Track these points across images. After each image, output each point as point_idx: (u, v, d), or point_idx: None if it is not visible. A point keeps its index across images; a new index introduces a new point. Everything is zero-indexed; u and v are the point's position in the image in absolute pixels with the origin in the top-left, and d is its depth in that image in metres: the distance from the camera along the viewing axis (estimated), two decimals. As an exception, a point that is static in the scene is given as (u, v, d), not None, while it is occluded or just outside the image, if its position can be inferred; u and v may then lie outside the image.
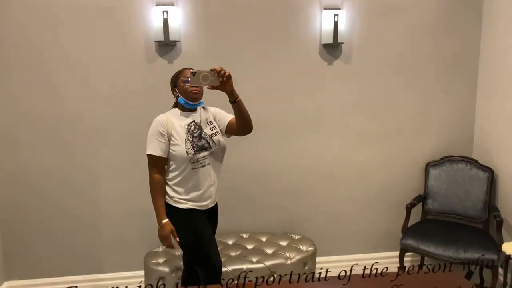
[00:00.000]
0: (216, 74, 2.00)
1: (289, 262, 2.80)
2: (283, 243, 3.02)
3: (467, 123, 3.31)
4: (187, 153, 2.16)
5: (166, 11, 2.82)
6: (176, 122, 2.20)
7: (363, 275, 1.52)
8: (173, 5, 2.89)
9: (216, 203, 2.40)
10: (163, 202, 2.20)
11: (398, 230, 3.18)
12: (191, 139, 2.19)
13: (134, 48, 2.91)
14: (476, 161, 3.15)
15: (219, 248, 2.89)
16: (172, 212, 2.23)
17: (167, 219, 2.18)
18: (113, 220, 3.05)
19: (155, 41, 2.91)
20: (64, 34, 2.83)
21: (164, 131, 2.15)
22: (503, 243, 2.71)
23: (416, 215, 3.22)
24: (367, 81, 3.16)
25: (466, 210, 3.11)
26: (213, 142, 2.25)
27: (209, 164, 2.24)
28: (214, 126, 2.31)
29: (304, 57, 3.07)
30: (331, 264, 3.26)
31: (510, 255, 2.40)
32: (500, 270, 3.00)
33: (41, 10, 2.78)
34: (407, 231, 3.03)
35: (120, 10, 2.86)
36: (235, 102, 2.13)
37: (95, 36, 2.85)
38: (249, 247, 2.98)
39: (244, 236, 3.13)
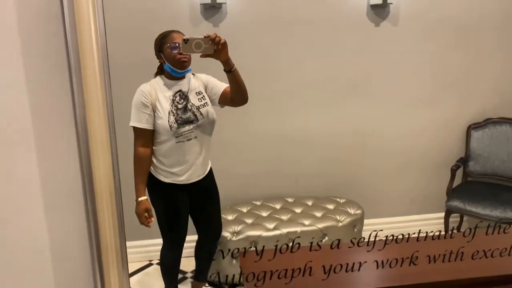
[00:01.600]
0: (210, 41, 1.84)
1: (340, 224, 2.85)
2: (330, 207, 3.05)
3: (509, 85, 3.30)
4: (170, 126, 2.05)
5: (214, -29, 2.71)
6: (160, 91, 2.09)
7: (417, 238, 1.48)
8: (220, -35, 2.77)
9: (208, 175, 2.33)
10: (144, 179, 2.15)
11: (441, 192, 3.22)
12: (175, 112, 2.07)
13: (178, 11, 2.81)
14: (519, 122, 3.17)
15: (268, 213, 2.95)
16: (152, 181, 2.21)
17: (144, 197, 2.15)
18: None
19: (200, 3, 2.81)
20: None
21: (147, 102, 2.05)
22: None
23: (457, 178, 3.26)
24: (412, 44, 3.11)
25: (508, 171, 3.16)
26: (201, 114, 2.13)
27: (196, 137, 2.14)
28: (203, 96, 2.17)
29: (350, 18, 2.99)
30: (377, 226, 3.32)
31: None
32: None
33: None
34: (452, 192, 3.08)
35: (166, -30, 2.74)
36: (231, 72, 1.99)
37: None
38: (297, 211, 3.01)
39: (289, 200, 3.16)
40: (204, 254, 2.53)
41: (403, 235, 1.51)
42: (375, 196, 3.35)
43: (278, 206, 3.09)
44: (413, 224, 3.39)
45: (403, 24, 3.06)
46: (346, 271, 1.25)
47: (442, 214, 3.12)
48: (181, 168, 2.17)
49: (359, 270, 1.25)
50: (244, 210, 3.03)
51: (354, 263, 1.26)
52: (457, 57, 3.19)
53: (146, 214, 2.16)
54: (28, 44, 0.92)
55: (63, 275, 1.07)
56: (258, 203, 3.12)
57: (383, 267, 1.26)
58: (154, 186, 2.23)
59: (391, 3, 2.99)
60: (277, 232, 2.74)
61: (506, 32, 3.19)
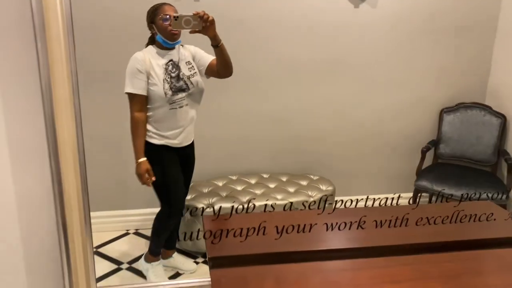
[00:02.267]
0: (199, 18, 2.00)
1: (311, 199, 2.95)
2: (303, 183, 3.15)
3: (482, 71, 3.40)
4: (165, 93, 2.18)
5: None
6: (153, 60, 2.19)
7: (365, 204, 1.59)
8: None
9: (193, 143, 2.45)
10: (142, 142, 2.24)
11: (412, 173, 3.34)
12: (169, 80, 2.20)
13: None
14: (489, 107, 3.28)
15: (243, 187, 3.04)
16: (146, 146, 2.29)
17: (144, 158, 2.24)
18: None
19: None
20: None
21: (142, 69, 2.15)
22: (513, 184, 2.91)
23: (428, 160, 3.37)
24: (388, 28, 3.18)
25: (476, 154, 3.28)
26: (191, 83, 2.26)
27: (187, 105, 2.27)
28: (193, 66, 2.31)
29: (330, -1, 3.05)
30: (348, 204, 3.43)
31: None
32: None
33: None
34: (421, 173, 3.19)
35: None
36: (218, 47, 2.14)
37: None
38: (271, 186, 3.11)
39: (265, 176, 3.26)
40: None
41: (351, 200, 1.60)
42: (348, 174, 3.45)
43: (253, 181, 3.17)
44: (383, 203, 3.52)
45: (381, 6, 3.12)
46: (298, 232, 1.34)
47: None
48: (173, 132, 2.29)
49: (310, 231, 1.34)
50: (220, 184, 3.11)
51: (305, 225, 1.35)
52: (432, 41, 3.26)
53: (147, 175, 2.24)
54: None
55: (28, 227, 1.14)
56: (234, 177, 3.21)
57: (332, 229, 1.35)
58: (147, 150, 2.30)
59: (370, -15, 3.04)
60: (257, 204, 2.83)
61: (478, 21, 3.27)
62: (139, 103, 2.20)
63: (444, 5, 3.20)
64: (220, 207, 2.60)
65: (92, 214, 2.91)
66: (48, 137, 1.14)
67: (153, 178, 2.27)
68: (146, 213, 3.20)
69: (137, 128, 2.21)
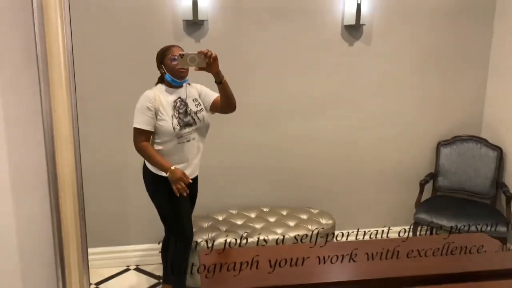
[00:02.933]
0: (203, 56, 2.14)
1: (311, 234, 2.96)
2: (303, 217, 3.17)
3: (477, 104, 3.47)
4: (174, 128, 2.28)
5: (196, -10, 2.88)
6: (163, 98, 2.31)
7: (356, 237, 1.62)
8: (201, -16, 2.95)
9: (197, 177, 2.53)
10: (160, 157, 2.29)
11: (411, 205, 3.35)
12: (177, 115, 2.31)
13: (162, 27, 2.97)
14: (485, 140, 3.32)
15: (243, 221, 3.07)
16: (153, 178, 2.37)
17: (173, 166, 2.27)
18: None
19: (183, 20, 2.97)
20: (101, 9, 2.87)
21: (151, 106, 2.25)
22: (512, 216, 2.91)
23: (427, 192, 3.39)
24: (384, 63, 3.28)
25: (474, 187, 3.30)
26: (198, 118, 2.37)
27: (194, 139, 2.37)
28: (199, 103, 2.43)
29: (326, 38, 3.17)
30: (349, 237, 3.42)
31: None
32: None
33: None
34: (420, 206, 3.21)
35: (150, -12, 2.91)
36: (221, 83, 2.27)
37: (126, 14, 2.90)
38: (272, 220, 3.12)
39: (265, 210, 3.28)
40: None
41: (342, 233, 1.62)
42: (348, 207, 3.47)
43: (253, 215, 3.19)
44: (379, 235, 3.51)
45: (375, 44, 3.24)
46: (290, 266, 1.36)
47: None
48: (181, 166, 2.36)
49: (302, 264, 1.37)
50: (220, 218, 3.14)
51: (298, 258, 1.37)
52: (428, 76, 3.36)
53: (183, 176, 2.27)
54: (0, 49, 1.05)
55: (25, 259, 1.18)
56: (234, 212, 3.23)
57: (324, 262, 1.38)
58: (157, 183, 2.37)
59: (364, 24, 3.16)
60: (249, 239, 2.85)
61: (471, 55, 3.38)
62: (145, 136, 2.31)
63: (436, 41, 3.31)
64: (214, 240, 2.61)
65: (92, 250, 2.96)
66: (48, 169, 1.20)
67: (190, 180, 2.30)
68: (147, 248, 3.22)
69: (148, 149, 2.29)
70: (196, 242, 2.74)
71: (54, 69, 1.17)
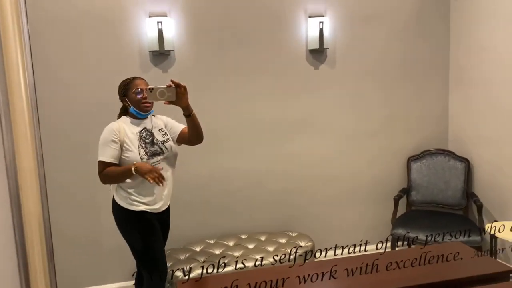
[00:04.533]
0: (173, 89, 2.10)
1: (291, 257, 2.92)
2: (282, 241, 3.14)
3: (441, 118, 3.59)
4: (141, 158, 2.22)
5: (161, 22, 2.91)
6: (128, 129, 2.26)
7: (334, 253, 1.61)
8: (166, 16, 2.98)
9: (169, 207, 2.46)
10: (119, 168, 2.19)
11: (388, 221, 3.38)
12: (143, 145, 2.26)
13: (129, 59, 2.97)
14: (453, 152, 3.42)
15: (221, 250, 3.01)
16: (124, 214, 2.29)
17: (135, 163, 2.18)
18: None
19: (149, 51, 2.99)
20: (66, 41, 2.85)
21: (116, 138, 2.20)
22: (484, 224, 2.97)
23: (401, 207, 3.44)
24: (350, 84, 3.38)
25: (446, 199, 3.37)
26: (165, 147, 2.33)
27: (162, 168, 2.30)
28: (166, 133, 2.39)
29: (292, 63, 3.25)
30: (329, 258, 3.40)
31: (494, 234, 2.64)
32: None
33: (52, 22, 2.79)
34: (396, 221, 3.24)
35: (115, 22, 2.92)
36: (190, 116, 2.25)
37: (91, 46, 2.89)
38: (250, 246, 3.08)
39: (243, 237, 3.23)
40: None
41: (321, 250, 1.61)
42: (326, 227, 3.46)
43: (231, 243, 3.14)
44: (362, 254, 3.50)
45: (339, 66, 3.34)
46: (271, 287, 1.33)
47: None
48: (151, 199, 2.30)
49: (283, 285, 1.34)
50: (197, 249, 3.06)
51: (278, 279, 1.35)
52: (393, 94, 3.47)
53: (151, 167, 2.15)
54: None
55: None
56: (211, 241, 3.17)
57: (305, 282, 1.36)
58: (128, 219, 2.29)
59: (327, 48, 3.26)
60: (228, 268, 2.78)
61: (432, 71, 3.52)
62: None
63: (397, 61, 3.44)
64: (190, 268, 2.53)
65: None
66: (12, 208, 1.14)
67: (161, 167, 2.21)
68: (122, 286, 3.10)
69: (109, 171, 2.18)
70: (172, 271, 2.67)
71: (16, 103, 1.14)
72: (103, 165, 2.21)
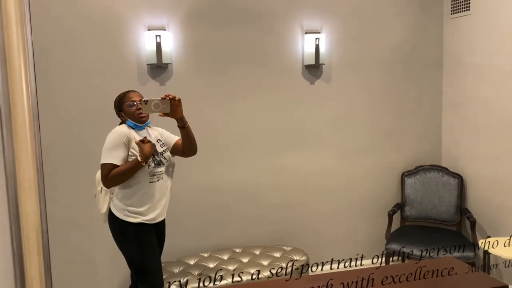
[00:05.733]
0: (167, 101, 2.13)
1: (288, 270, 2.91)
2: (277, 255, 3.13)
3: (435, 135, 3.64)
4: (148, 165, 2.22)
5: (159, 35, 2.94)
6: (134, 135, 2.26)
7: (330, 267, 1.62)
8: (164, 29, 3.02)
9: (164, 219, 2.45)
10: (127, 164, 2.17)
11: (382, 236, 3.39)
12: None
13: (127, 71, 3.00)
14: (446, 168, 3.46)
15: (215, 264, 3.00)
16: (121, 227, 2.28)
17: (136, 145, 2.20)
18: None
19: (147, 64, 3.01)
20: (66, 54, 2.86)
21: (126, 142, 2.20)
22: (477, 240, 2.99)
23: (396, 222, 3.46)
24: (345, 99, 3.42)
25: (440, 214, 3.39)
26: (165, 158, 2.35)
27: (162, 178, 2.33)
28: (163, 143, 2.41)
29: (288, 77, 3.29)
30: (324, 272, 3.39)
31: (487, 250, 2.66)
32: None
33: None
34: (390, 236, 3.25)
35: (115, 34, 2.95)
36: (184, 128, 2.28)
37: (92, 57, 2.92)
38: (245, 260, 3.07)
39: (237, 250, 3.22)
40: None
41: (317, 264, 1.62)
42: (320, 242, 3.46)
43: (225, 257, 3.13)
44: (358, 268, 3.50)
45: (335, 81, 3.38)
46: (267, 301, 1.33)
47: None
48: (148, 207, 2.28)
49: (279, 300, 1.35)
50: (191, 262, 3.05)
51: (273, 293, 1.35)
52: (387, 110, 3.51)
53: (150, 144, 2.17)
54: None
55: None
56: (206, 255, 3.15)
57: (301, 295, 1.36)
58: (125, 231, 2.28)
59: (323, 64, 3.31)
60: (223, 282, 2.77)
61: (425, 90, 3.58)
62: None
63: (392, 78, 3.49)
64: (187, 280, 2.52)
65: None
66: (10, 215, 1.14)
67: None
68: (115, 299, 3.07)
69: (116, 170, 2.15)
70: (169, 283, 2.65)
71: (17, 114, 1.15)
72: (110, 167, 2.16)
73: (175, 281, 2.71)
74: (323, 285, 1.38)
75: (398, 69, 3.50)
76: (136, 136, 2.28)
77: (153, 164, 2.25)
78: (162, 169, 2.31)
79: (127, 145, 2.21)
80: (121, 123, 2.38)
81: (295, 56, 3.29)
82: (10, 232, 1.15)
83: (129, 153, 2.22)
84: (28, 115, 1.15)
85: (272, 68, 3.25)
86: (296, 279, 1.45)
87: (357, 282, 1.40)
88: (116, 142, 2.18)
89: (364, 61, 3.42)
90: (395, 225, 3.46)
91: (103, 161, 2.18)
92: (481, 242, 2.73)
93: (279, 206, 3.37)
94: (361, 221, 3.55)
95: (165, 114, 2.18)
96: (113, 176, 2.15)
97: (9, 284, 1.16)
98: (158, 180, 2.30)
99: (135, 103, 2.26)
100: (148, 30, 2.98)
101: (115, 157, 2.16)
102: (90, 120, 2.94)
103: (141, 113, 2.25)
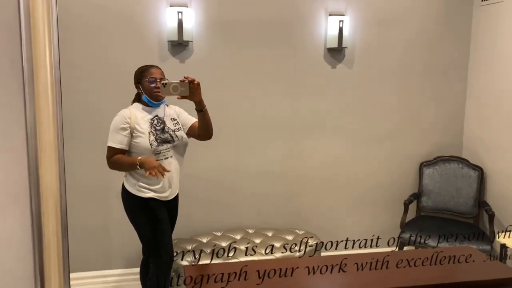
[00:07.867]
0: (186, 84, 2.13)
1: (297, 254, 2.91)
2: (289, 237, 3.13)
3: (457, 126, 3.55)
4: (151, 144, 2.25)
5: (181, 12, 2.92)
6: (139, 115, 2.29)
7: (345, 246, 1.60)
8: (187, 6, 3.00)
9: (177, 195, 2.47)
10: (128, 157, 2.25)
11: (396, 225, 3.35)
12: (154, 132, 2.29)
13: (147, 48, 2.99)
14: (467, 160, 3.38)
15: (228, 243, 3.01)
16: (132, 200, 2.32)
17: (140, 157, 2.22)
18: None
19: (168, 41, 3.00)
20: (85, 34, 2.87)
21: (126, 125, 2.24)
22: (495, 234, 2.93)
23: (411, 212, 3.41)
24: (366, 84, 3.36)
25: (457, 207, 3.33)
26: (176, 136, 2.35)
27: (172, 157, 2.33)
28: (178, 122, 2.41)
29: (309, 60, 3.24)
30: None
31: (505, 244, 2.60)
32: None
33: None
34: (405, 226, 3.21)
35: (137, 10, 2.94)
36: (202, 111, 2.28)
37: (113, 33, 2.92)
38: (257, 241, 3.07)
39: (250, 231, 3.23)
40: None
41: (331, 242, 1.60)
42: (333, 228, 3.44)
43: (238, 237, 3.14)
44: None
45: (357, 66, 3.32)
46: (280, 276, 1.33)
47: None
48: (160, 186, 2.32)
49: (291, 275, 1.34)
50: (204, 240, 3.07)
51: (287, 269, 1.34)
52: (409, 98, 3.44)
53: (156, 164, 2.17)
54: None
55: (4, 274, 1.12)
56: (218, 233, 3.17)
57: (314, 273, 1.35)
58: (136, 204, 2.32)
59: (346, 47, 3.25)
60: (234, 260, 2.78)
61: (450, 77, 3.48)
62: (116, 154, 2.27)
63: (415, 65, 3.41)
64: (201, 250, 2.54)
65: (73, 275, 2.83)
66: (30, 179, 1.15)
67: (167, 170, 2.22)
68: (127, 273, 3.11)
69: (116, 158, 2.24)
70: (183, 252, 2.70)
71: (40, 78, 1.14)
72: (112, 151, 2.26)
73: (186, 252, 2.74)
74: (337, 264, 1.37)
75: (423, 56, 3.41)
76: (141, 114, 2.28)
77: (156, 143, 2.26)
78: (168, 146, 2.31)
79: (128, 128, 2.24)
80: (135, 98, 2.41)
81: (317, 39, 3.23)
82: (29, 193, 1.16)
83: (133, 133, 2.25)
84: (51, 79, 1.15)
85: (294, 50, 3.20)
86: (309, 256, 1.45)
87: (371, 263, 1.39)
88: (116, 126, 2.26)
89: (387, 47, 3.35)
90: (411, 215, 3.41)
91: (107, 144, 2.27)
92: (499, 234, 2.67)
93: (293, 190, 3.35)
94: (376, 209, 3.51)
95: (184, 97, 2.18)
96: (112, 162, 2.27)
97: (27, 252, 1.18)
98: (165, 158, 2.31)
99: (156, 80, 2.27)
100: (171, 6, 2.96)
101: (114, 141, 2.25)
102: (109, 93, 2.96)
103: (159, 92, 2.26)
